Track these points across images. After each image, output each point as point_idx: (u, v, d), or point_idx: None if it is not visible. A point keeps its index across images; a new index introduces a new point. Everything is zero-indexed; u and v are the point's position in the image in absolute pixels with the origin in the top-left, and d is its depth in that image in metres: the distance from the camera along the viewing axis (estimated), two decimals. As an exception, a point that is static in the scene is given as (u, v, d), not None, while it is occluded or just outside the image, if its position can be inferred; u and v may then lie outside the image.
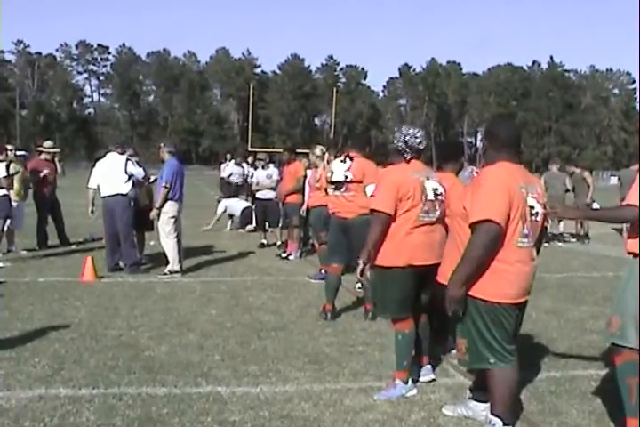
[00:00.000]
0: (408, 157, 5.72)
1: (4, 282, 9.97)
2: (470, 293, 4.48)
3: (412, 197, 5.46)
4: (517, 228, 4.42)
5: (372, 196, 6.06)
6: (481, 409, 4.96)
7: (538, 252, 4.77)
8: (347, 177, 7.91)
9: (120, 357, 6.40)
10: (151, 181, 12.01)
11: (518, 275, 4.49)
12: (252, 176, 16.68)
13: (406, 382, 5.59)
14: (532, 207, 4.50)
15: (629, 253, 4.58)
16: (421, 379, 5.81)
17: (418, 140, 5.73)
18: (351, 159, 7.99)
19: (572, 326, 8.11)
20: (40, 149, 13.79)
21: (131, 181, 11.08)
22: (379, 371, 6.18)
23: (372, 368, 6.27)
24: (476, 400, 5.09)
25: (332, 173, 8.03)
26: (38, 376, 5.78)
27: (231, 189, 20.00)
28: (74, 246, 13.72)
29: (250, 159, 19.94)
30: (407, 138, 5.72)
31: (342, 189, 8.05)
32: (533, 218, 4.53)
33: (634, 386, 4.41)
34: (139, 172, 11.24)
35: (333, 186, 8.18)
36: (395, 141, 5.75)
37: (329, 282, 8.36)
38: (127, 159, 11.08)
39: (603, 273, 12.10)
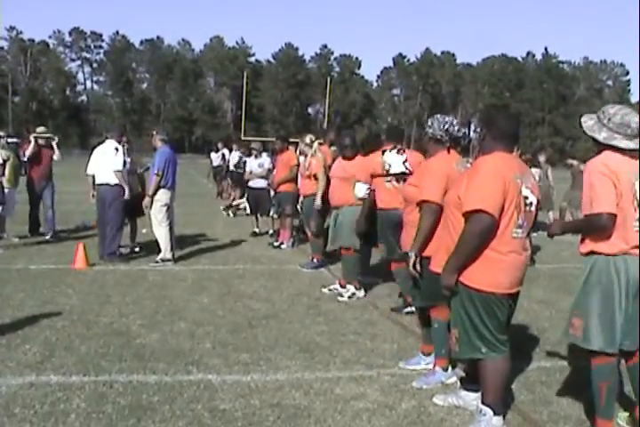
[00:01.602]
0: (447, 146, 5.73)
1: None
2: (464, 282, 4.48)
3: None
4: (512, 218, 4.42)
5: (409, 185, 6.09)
6: (472, 399, 4.98)
7: (530, 242, 4.77)
8: (407, 168, 7.81)
9: (111, 344, 6.40)
10: (143, 169, 11.99)
11: (513, 265, 4.50)
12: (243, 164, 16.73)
13: (446, 370, 5.62)
14: (526, 197, 4.50)
15: (583, 253, 4.57)
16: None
17: (457, 129, 5.75)
18: (404, 151, 7.83)
19: (562, 316, 8.00)
20: (35, 135, 13.45)
21: (124, 170, 11.01)
22: (370, 360, 6.20)
23: (363, 357, 6.28)
24: (466, 390, 5.11)
25: (390, 165, 7.78)
26: (29, 363, 5.78)
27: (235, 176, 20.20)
28: (47, 237, 13.17)
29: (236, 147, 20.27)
30: (447, 126, 5.71)
31: (402, 182, 7.98)
32: (527, 208, 4.52)
33: (604, 389, 4.44)
34: (119, 162, 10.97)
35: (394, 178, 7.83)
36: (432, 131, 5.74)
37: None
38: (115, 148, 10.99)
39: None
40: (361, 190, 8.42)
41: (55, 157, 13.46)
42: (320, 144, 11.02)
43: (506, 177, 4.38)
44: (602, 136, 4.48)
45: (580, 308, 4.50)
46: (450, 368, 5.64)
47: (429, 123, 5.80)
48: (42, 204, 13.47)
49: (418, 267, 5.52)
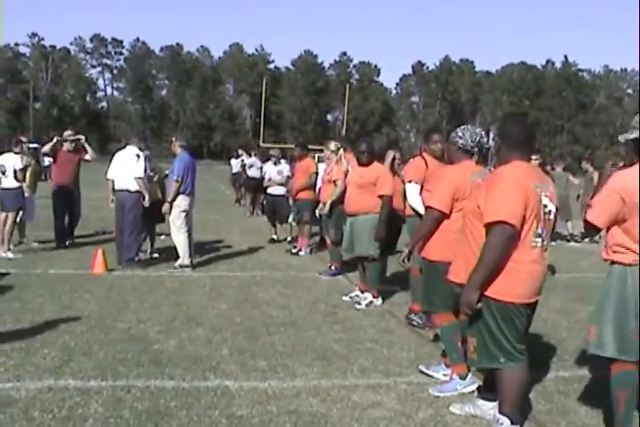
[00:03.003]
0: (476, 157, 5.77)
1: (9, 273, 10.03)
2: (483, 292, 4.46)
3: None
4: (532, 227, 4.41)
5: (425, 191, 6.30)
6: (489, 408, 4.96)
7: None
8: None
9: (129, 350, 6.42)
10: (162, 176, 12.06)
11: (532, 275, 4.48)
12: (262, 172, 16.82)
13: (463, 378, 5.60)
14: (545, 206, 4.49)
15: (606, 260, 4.56)
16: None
17: (486, 140, 5.79)
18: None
19: (581, 326, 8.05)
20: (62, 137, 13.12)
21: (144, 177, 11.07)
22: (387, 368, 6.19)
23: (381, 365, 6.27)
24: (483, 399, 5.09)
25: None
26: (47, 367, 5.81)
27: (250, 182, 20.26)
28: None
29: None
30: (479, 138, 5.75)
31: None
32: (547, 217, 4.52)
33: (622, 398, 4.42)
34: (140, 169, 11.02)
35: None
36: (464, 141, 5.74)
37: None
38: (137, 155, 11.06)
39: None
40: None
41: (88, 157, 13.20)
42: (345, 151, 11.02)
43: (526, 187, 4.37)
44: None
45: (597, 315, 4.50)
46: (469, 376, 5.61)
47: (460, 133, 5.77)
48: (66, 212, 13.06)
49: (407, 264, 6.24)
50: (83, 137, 13.27)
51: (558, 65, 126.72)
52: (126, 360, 6.11)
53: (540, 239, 4.47)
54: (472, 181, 5.50)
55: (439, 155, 7.73)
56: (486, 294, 4.45)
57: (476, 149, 5.74)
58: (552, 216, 4.58)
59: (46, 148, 12.90)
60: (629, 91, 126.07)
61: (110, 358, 6.15)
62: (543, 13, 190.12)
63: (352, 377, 5.92)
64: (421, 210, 7.47)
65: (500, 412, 4.63)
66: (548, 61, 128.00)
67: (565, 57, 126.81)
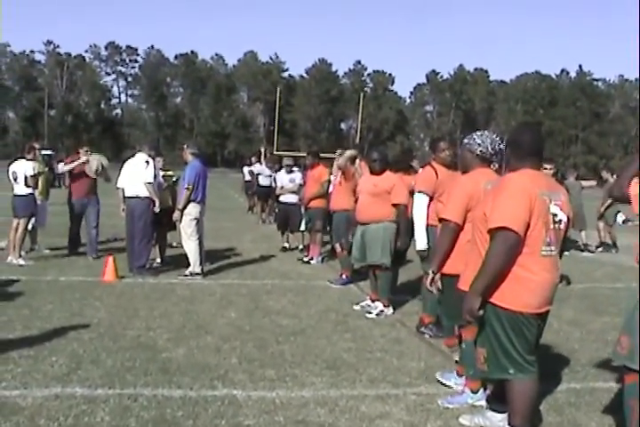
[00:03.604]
0: (497, 165, 5.72)
1: (19, 280, 10.03)
2: (492, 300, 4.42)
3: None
4: (540, 236, 4.35)
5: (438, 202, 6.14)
6: (498, 420, 4.90)
7: (561, 252, 4.71)
8: None
9: (137, 358, 6.40)
10: (171, 182, 12.06)
11: (542, 284, 4.42)
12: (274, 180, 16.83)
13: (475, 392, 5.54)
14: (554, 215, 4.44)
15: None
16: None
17: (500, 147, 5.71)
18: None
19: (593, 337, 8.01)
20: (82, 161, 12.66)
21: (154, 183, 11.07)
22: (396, 378, 6.14)
23: (390, 375, 6.21)
24: (493, 410, 5.02)
25: None
26: (55, 375, 5.80)
27: (260, 190, 20.28)
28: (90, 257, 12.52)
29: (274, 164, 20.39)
30: (499, 146, 5.68)
31: None
32: (557, 226, 4.46)
33: (636, 409, 4.34)
34: (149, 174, 11.01)
35: None
36: (483, 149, 5.69)
37: None
38: (146, 161, 11.08)
39: (626, 284, 11.91)
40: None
41: (89, 172, 12.63)
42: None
43: (532, 194, 4.33)
44: None
45: (629, 325, 4.39)
46: (481, 391, 5.54)
47: (479, 140, 5.69)
48: (84, 221, 12.76)
49: (438, 284, 5.73)
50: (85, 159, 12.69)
51: (573, 74, 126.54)
52: (134, 368, 6.08)
53: (549, 248, 4.42)
54: (486, 189, 5.44)
55: (449, 163, 7.68)
56: (495, 302, 4.42)
57: (495, 157, 5.68)
58: (562, 226, 4.52)
59: (65, 168, 12.73)
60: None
61: (118, 366, 6.12)
62: (557, 23, 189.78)
63: (361, 387, 5.87)
64: (419, 223, 7.46)
65: (510, 424, 4.57)
66: (562, 71, 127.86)
67: (580, 66, 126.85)
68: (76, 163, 12.39)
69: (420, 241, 7.50)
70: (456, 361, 5.95)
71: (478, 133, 5.80)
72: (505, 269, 4.33)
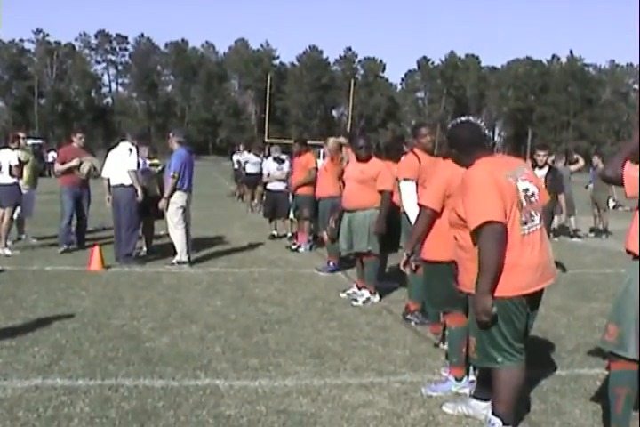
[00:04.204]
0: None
1: (4, 270, 10.01)
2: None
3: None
4: (516, 218, 4.30)
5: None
6: (482, 408, 4.87)
7: (548, 225, 4.67)
8: None
9: (120, 347, 6.36)
10: (158, 170, 11.98)
11: (529, 263, 4.35)
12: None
13: (459, 380, 5.50)
14: (525, 190, 4.38)
15: (628, 251, 4.46)
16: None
17: (490, 134, 5.65)
18: None
19: (580, 323, 7.99)
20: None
21: (138, 171, 10.99)
22: (380, 366, 6.10)
23: (374, 363, 6.18)
24: (477, 399, 5.00)
25: None
26: (36, 366, 5.76)
27: (248, 179, 20.23)
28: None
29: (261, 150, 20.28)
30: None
31: None
32: (532, 199, 4.41)
33: (622, 396, 4.33)
34: (132, 162, 10.91)
35: None
36: None
37: None
38: (129, 149, 11.00)
39: (616, 270, 11.87)
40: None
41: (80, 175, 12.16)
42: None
43: (497, 181, 4.28)
44: None
45: (617, 314, 4.36)
46: (465, 378, 5.51)
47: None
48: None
49: (412, 266, 5.99)
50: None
51: (564, 60, 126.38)
52: (117, 358, 6.04)
53: (527, 226, 4.36)
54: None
55: (430, 148, 7.64)
56: None
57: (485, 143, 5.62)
58: (537, 197, 4.46)
59: (61, 168, 12.15)
60: (635, 86, 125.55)
61: (100, 357, 6.08)
62: (548, 8, 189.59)
63: (345, 376, 5.83)
64: (411, 210, 7.38)
65: (493, 413, 4.53)
66: (553, 57, 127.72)
67: (571, 52, 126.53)
68: (69, 165, 11.96)
69: None
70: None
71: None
72: (502, 259, 4.27)
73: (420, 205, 5.73)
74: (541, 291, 4.59)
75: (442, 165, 5.74)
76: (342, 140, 11.29)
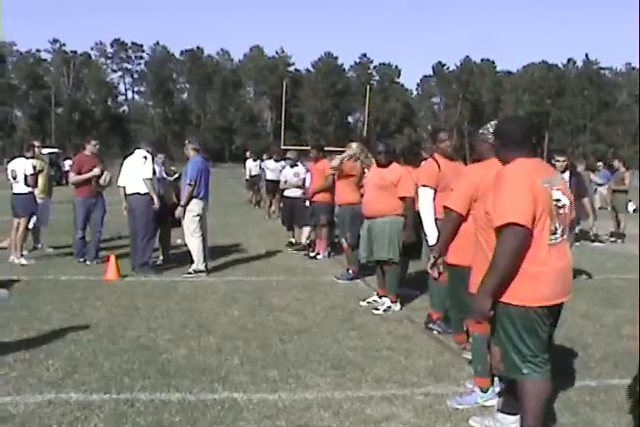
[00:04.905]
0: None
1: (19, 280, 9.87)
2: (502, 299, 4.19)
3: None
4: (545, 225, 4.14)
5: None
6: (510, 422, 4.70)
7: (571, 244, 4.50)
8: None
9: (136, 360, 6.21)
10: (173, 178, 11.85)
11: (553, 274, 4.20)
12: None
13: (485, 391, 5.33)
14: (557, 200, 4.22)
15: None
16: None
17: None
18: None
19: (607, 331, 7.79)
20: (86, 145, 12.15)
21: (153, 179, 10.85)
22: (403, 378, 5.93)
23: (397, 375, 6.01)
24: (504, 412, 4.81)
25: None
26: (50, 380, 5.62)
27: (267, 185, 20.17)
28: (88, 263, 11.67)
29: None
30: None
31: None
32: (561, 211, 4.25)
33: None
34: (148, 170, 10.74)
35: None
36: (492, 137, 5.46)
37: None
38: (144, 157, 10.86)
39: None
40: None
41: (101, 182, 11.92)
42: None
43: (533, 184, 4.12)
44: None
45: None
46: (491, 389, 5.33)
47: (492, 129, 5.48)
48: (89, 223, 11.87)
49: (440, 268, 6.00)
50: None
51: (580, 63, 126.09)
52: (132, 371, 5.89)
53: (556, 236, 4.21)
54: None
55: (449, 153, 7.49)
56: (505, 300, 4.20)
57: None
58: (567, 210, 4.31)
59: (79, 178, 11.76)
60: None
61: (116, 369, 5.93)
62: (563, 12, 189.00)
63: (367, 388, 5.66)
64: (427, 217, 7.25)
65: (522, 426, 4.35)
66: (569, 60, 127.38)
67: (587, 55, 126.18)
68: (90, 175, 11.64)
69: (432, 236, 7.23)
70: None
71: (492, 123, 5.57)
72: (515, 266, 4.12)
73: (447, 208, 5.62)
74: (561, 304, 4.42)
75: (471, 169, 5.60)
76: (351, 152, 11.10)
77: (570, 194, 4.41)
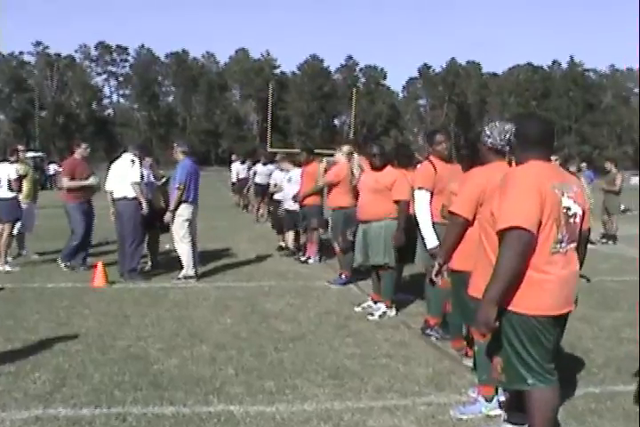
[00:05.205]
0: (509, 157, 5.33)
1: (3, 288, 9.64)
2: (502, 305, 4.01)
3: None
4: (552, 233, 3.95)
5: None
6: (518, 433, 4.52)
7: (583, 257, 4.32)
8: None
9: (127, 371, 6.00)
10: (161, 182, 11.63)
11: (557, 283, 4.01)
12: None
13: (490, 400, 5.16)
14: (567, 208, 4.03)
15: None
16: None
17: (511, 137, 5.30)
18: None
19: (607, 334, 7.66)
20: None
21: (141, 183, 10.62)
22: (403, 387, 5.75)
23: (397, 384, 5.83)
24: (511, 423, 4.65)
25: None
26: (37, 394, 5.39)
27: (256, 189, 19.98)
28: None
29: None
30: (509, 135, 5.24)
31: None
32: (571, 220, 4.06)
33: None
34: (136, 174, 10.50)
35: None
36: (492, 140, 5.31)
37: None
38: (132, 160, 10.63)
39: (634, 277, 11.59)
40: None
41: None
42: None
43: (542, 188, 3.92)
44: None
45: None
46: (495, 398, 5.15)
47: (488, 131, 5.33)
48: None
49: (445, 275, 5.74)
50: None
51: (564, 65, 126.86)
52: (123, 383, 5.68)
53: (562, 244, 4.02)
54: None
55: (446, 156, 7.32)
56: (507, 307, 4.01)
57: (507, 148, 5.28)
58: (577, 219, 4.12)
59: (71, 183, 11.34)
60: (636, 90, 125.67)
61: (106, 382, 5.71)
62: (548, 14, 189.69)
63: (366, 398, 5.48)
64: (424, 221, 7.08)
65: (530, 438, 4.18)
66: (554, 62, 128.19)
67: (571, 57, 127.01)
68: (85, 183, 11.34)
69: (429, 239, 7.06)
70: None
71: (490, 125, 5.41)
72: (520, 272, 3.93)
73: (452, 213, 5.43)
74: (567, 314, 4.25)
75: (475, 173, 5.41)
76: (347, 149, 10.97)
77: (585, 204, 4.22)
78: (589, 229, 4.40)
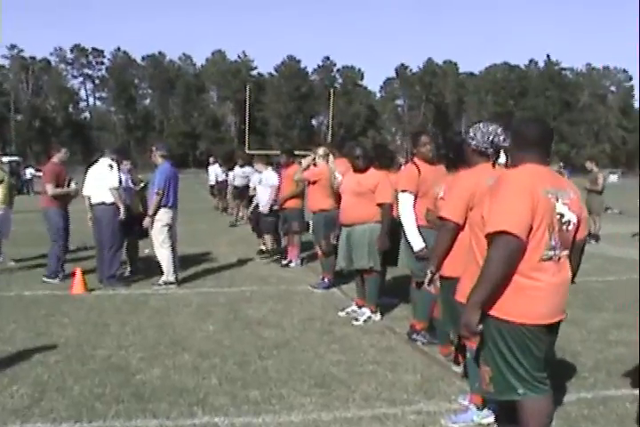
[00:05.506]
0: (493, 159, 5.20)
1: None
2: (492, 313, 3.88)
3: None
4: (543, 239, 3.82)
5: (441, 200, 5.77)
6: (512, 443, 4.39)
7: (577, 266, 4.20)
8: None
9: (108, 382, 5.82)
10: (139, 187, 11.43)
11: (545, 291, 3.89)
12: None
13: (481, 409, 5.03)
14: (561, 215, 3.90)
15: None
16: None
17: (502, 138, 5.17)
18: None
19: (595, 337, 7.57)
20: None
21: (120, 188, 10.42)
22: (392, 395, 5.62)
23: (385, 392, 5.70)
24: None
25: None
26: (14, 408, 5.20)
27: (235, 192, 19.80)
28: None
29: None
30: (492, 137, 5.15)
31: None
32: (564, 227, 3.93)
33: None
34: (114, 179, 10.33)
35: None
36: (476, 142, 5.20)
37: None
38: (109, 165, 10.43)
39: (618, 277, 11.57)
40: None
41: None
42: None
43: (534, 192, 3.79)
44: None
45: None
46: (487, 406, 5.04)
47: (471, 133, 5.23)
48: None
49: (437, 284, 5.57)
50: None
51: (541, 64, 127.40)
52: (104, 396, 5.50)
53: (554, 252, 3.89)
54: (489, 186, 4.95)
55: (430, 158, 7.19)
56: (495, 315, 3.89)
57: (491, 150, 5.17)
58: (571, 227, 3.98)
59: (57, 191, 10.83)
60: (613, 88, 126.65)
61: (86, 394, 5.53)
62: (525, 13, 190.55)
63: (355, 407, 5.34)
64: (409, 224, 6.96)
65: (524, 448, 4.05)
66: (530, 61, 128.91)
67: (548, 56, 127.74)
68: (68, 190, 10.99)
69: (415, 242, 6.93)
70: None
71: (474, 126, 5.29)
72: (506, 277, 3.81)
73: (442, 218, 5.30)
74: (557, 324, 4.15)
75: (463, 176, 5.28)
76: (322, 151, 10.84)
77: (582, 212, 4.10)
78: (585, 238, 4.26)
